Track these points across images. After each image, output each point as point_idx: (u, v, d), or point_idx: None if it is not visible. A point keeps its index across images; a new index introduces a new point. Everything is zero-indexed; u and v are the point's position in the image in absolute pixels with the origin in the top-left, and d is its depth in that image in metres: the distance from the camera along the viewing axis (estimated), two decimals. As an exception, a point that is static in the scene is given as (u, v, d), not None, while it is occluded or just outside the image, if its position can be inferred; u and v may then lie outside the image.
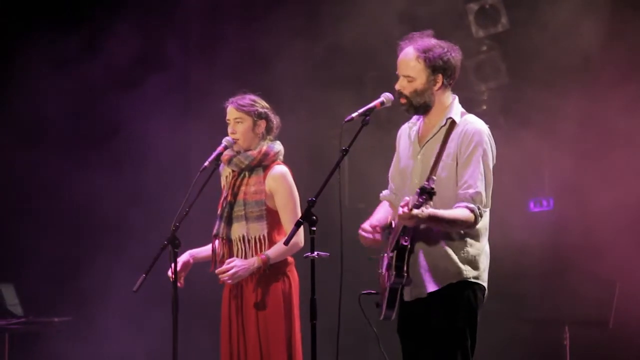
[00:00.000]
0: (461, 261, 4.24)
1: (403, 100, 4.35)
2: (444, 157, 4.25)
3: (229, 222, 5.11)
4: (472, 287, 4.26)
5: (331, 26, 7.58)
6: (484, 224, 4.29)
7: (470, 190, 4.18)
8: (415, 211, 3.93)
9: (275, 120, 5.20)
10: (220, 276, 5.00)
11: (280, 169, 5.11)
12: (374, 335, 4.43)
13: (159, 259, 4.83)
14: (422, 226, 4.13)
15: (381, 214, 4.47)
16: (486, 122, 4.37)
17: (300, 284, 5.09)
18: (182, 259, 5.08)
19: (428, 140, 4.35)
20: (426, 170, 4.27)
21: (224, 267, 4.99)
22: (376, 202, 4.58)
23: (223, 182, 5.25)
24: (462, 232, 4.23)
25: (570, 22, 7.03)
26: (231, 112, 5.14)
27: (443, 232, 4.22)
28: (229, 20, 8.21)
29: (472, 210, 4.15)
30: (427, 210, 3.94)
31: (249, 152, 5.12)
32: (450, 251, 4.23)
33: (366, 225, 4.32)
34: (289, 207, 5.05)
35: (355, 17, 7.41)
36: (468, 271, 4.25)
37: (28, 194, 8.06)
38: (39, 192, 8.01)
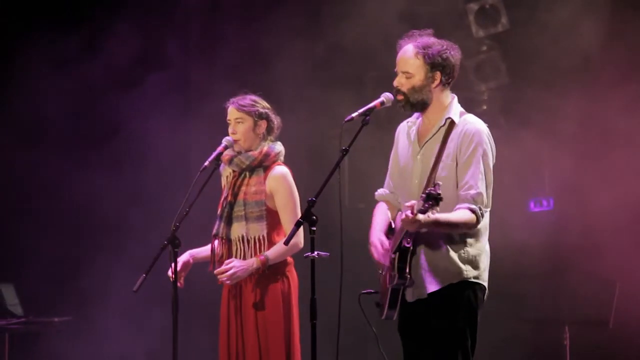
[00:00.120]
0: (461, 261, 4.24)
1: (400, 97, 4.35)
2: (443, 157, 4.26)
3: (229, 222, 5.10)
4: (472, 287, 4.27)
5: (331, 26, 7.58)
6: (484, 223, 4.29)
7: (472, 191, 4.18)
8: (420, 216, 3.93)
9: (276, 120, 5.20)
10: (218, 277, 5.00)
11: (281, 170, 5.11)
12: (374, 335, 4.43)
13: (159, 259, 4.83)
14: (424, 230, 4.13)
15: (382, 221, 4.45)
16: (486, 122, 4.37)
17: (300, 283, 5.09)
18: (182, 258, 5.08)
19: (427, 140, 4.35)
20: (426, 170, 4.28)
21: (223, 267, 4.99)
22: (376, 202, 4.58)
23: (223, 182, 5.25)
24: (462, 232, 4.23)
25: (570, 22, 7.04)
26: (232, 113, 5.14)
27: (444, 233, 4.22)
28: (229, 20, 8.21)
29: (473, 212, 4.15)
30: (432, 215, 3.95)
31: (250, 153, 5.12)
32: (450, 251, 4.23)
33: (376, 241, 4.30)
34: (289, 208, 5.05)
35: (355, 17, 7.41)
36: (468, 271, 4.25)
37: (28, 194, 8.06)
38: (39, 192, 8.01)
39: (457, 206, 4.15)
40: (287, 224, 5.01)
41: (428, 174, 4.27)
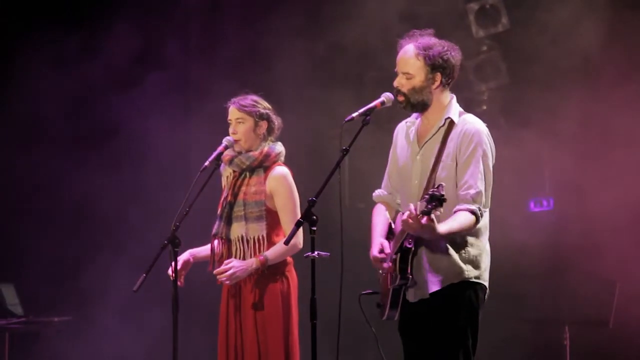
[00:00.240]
0: (462, 261, 4.24)
1: (401, 98, 4.34)
2: (443, 157, 4.26)
3: (229, 222, 5.10)
4: (473, 286, 4.27)
5: (331, 26, 7.58)
6: (484, 223, 4.29)
7: (471, 191, 4.17)
8: (424, 222, 3.92)
9: (277, 121, 5.20)
10: (218, 277, 5.00)
11: (281, 170, 5.11)
12: (373, 335, 4.43)
13: (158, 259, 4.83)
14: (426, 236, 4.11)
15: (382, 222, 4.45)
16: (486, 122, 4.37)
17: (300, 283, 5.09)
18: (182, 258, 5.08)
19: (427, 141, 4.35)
20: (426, 171, 4.28)
21: (222, 267, 4.99)
22: (375, 202, 4.58)
23: (224, 182, 5.25)
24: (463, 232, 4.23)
25: (570, 22, 7.04)
26: (233, 113, 5.14)
27: (445, 235, 4.23)
28: (229, 20, 8.21)
29: (473, 212, 4.14)
30: (440, 229, 3.96)
31: (250, 153, 5.11)
32: (451, 251, 4.23)
33: (375, 252, 4.29)
34: (289, 208, 5.05)
35: (356, 17, 7.41)
36: (469, 271, 4.25)
37: (28, 194, 8.06)
38: (39, 192, 8.01)
39: (457, 207, 4.15)
40: (287, 225, 5.01)
41: (428, 174, 4.26)
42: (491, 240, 4.37)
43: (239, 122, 5.12)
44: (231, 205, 5.11)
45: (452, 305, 4.22)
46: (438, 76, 4.30)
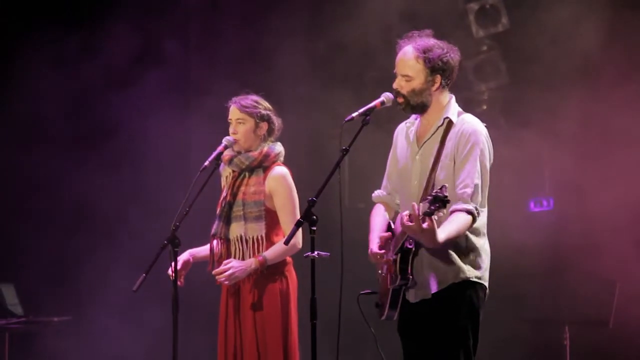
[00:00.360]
0: (463, 261, 4.24)
1: (400, 100, 4.34)
2: (442, 157, 4.25)
3: (228, 222, 5.10)
4: (474, 286, 4.26)
5: (331, 25, 7.58)
6: (482, 223, 4.29)
7: (468, 190, 4.17)
8: (426, 226, 3.91)
9: (277, 122, 5.20)
10: (217, 277, 5.00)
11: (281, 170, 5.11)
12: (372, 335, 4.43)
13: (158, 259, 4.83)
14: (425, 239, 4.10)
15: (380, 222, 4.44)
16: (486, 122, 4.36)
17: (300, 283, 5.09)
18: (182, 258, 5.08)
19: (426, 141, 4.35)
20: (425, 171, 4.27)
21: (221, 268, 4.99)
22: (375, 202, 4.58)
23: (223, 182, 5.25)
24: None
25: (570, 22, 7.04)
26: (234, 112, 5.14)
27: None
28: (229, 19, 8.21)
29: (470, 212, 4.14)
30: (439, 237, 3.96)
31: (250, 153, 5.11)
32: (452, 252, 4.22)
33: (374, 246, 4.29)
34: (288, 208, 5.05)
35: (356, 16, 7.41)
36: (470, 271, 4.25)
37: (28, 193, 8.06)
38: (39, 192, 8.01)
39: (453, 206, 4.14)
40: (286, 225, 5.01)
41: (427, 174, 4.26)
42: (491, 240, 4.36)
43: (240, 123, 5.12)
44: (230, 205, 5.11)
45: (453, 305, 4.22)
46: (438, 78, 4.30)
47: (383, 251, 4.27)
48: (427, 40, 4.31)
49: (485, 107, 7.65)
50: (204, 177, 4.93)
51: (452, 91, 4.40)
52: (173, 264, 4.86)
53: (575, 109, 7.17)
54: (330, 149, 6.66)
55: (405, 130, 4.47)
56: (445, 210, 3.94)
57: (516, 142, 6.94)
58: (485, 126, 4.34)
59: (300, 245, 4.99)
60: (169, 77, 8.00)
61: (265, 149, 5.12)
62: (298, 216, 4.79)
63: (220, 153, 5.06)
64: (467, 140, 4.23)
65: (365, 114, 4.34)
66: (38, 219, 8.04)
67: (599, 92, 7.07)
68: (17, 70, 7.93)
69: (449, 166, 4.24)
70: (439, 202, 3.86)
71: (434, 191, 3.90)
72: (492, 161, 4.32)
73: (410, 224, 3.94)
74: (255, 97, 5.17)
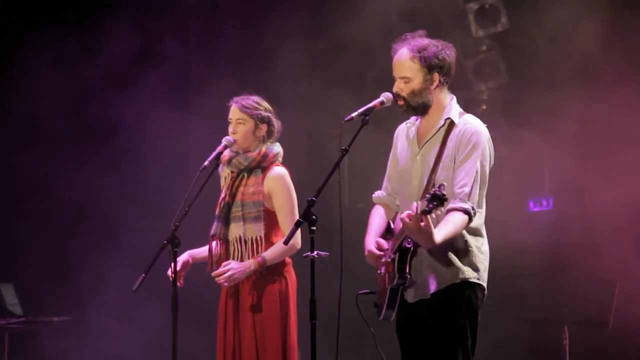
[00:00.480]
0: (462, 262, 4.24)
1: (401, 102, 4.34)
2: (443, 157, 4.25)
3: (227, 223, 5.10)
4: (473, 287, 4.26)
5: (331, 25, 7.58)
6: (481, 223, 4.30)
7: (466, 189, 4.17)
8: (423, 224, 3.92)
9: (277, 124, 5.20)
10: (216, 279, 5.00)
11: (279, 171, 5.11)
12: (371, 335, 4.43)
13: (158, 259, 4.82)
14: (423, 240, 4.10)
15: (378, 223, 4.44)
16: (486, 122, 4.36)
17: (300, 283, 5.09)
18: (181, 258, 5.08)
19: (427, 141, 4.34)
20: (426, 171, 4.27)
21: (220, 269, 4.99)
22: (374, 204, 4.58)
23: (222, 182, 5.25)
24: (462, 233, 4.22)
25: (570, 22, 7.04)
26: (234, 112, 5.14)
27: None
28: (229, 19, 8.21)
29: (466, 212, 4.14)
30: (436, 238, 3.96)
31: (248, 154, 5.11)
32: (451, 252, 4.22)
33: (372, 247, 4.30)
34: (287, 209, 5.05)
35: (356, 16, 7.41)
36: (469, 272, 4.25)
37: (28, 193, 8.06)
38: (39, 191, 8.01)
39: (450, 205, 4.14)
40: (285, 225, 5.00)
41: (428, 174, 4.26)
42: (491, 240, 4.36)
43: (240, 123, 5.12)
44: (229, 205, 5.11)
45: (451, 305, 4.22)
46: (436, 76, 4.30)
47: (381, 253, 4.27)
48: (421, 40, 4.32)
49: (484, 107, 7.65)
50: (203, 177, 4.93)
51: (451, 91, 4.40)
52: (172, 264, 4.86)
53: (575, 109, 7.17)
54: (330, 149, 6.66)
55: (406, 130, 4.47)
56: (443, 209, 3.93)
57: (516, 142, 6.93)
58: (486, 127, 4.34)
59: (299, 245, 4.98)
60: (169, 77, 8.00)
61: (264, 149, 5.12)
62: (297, 216, 4.79)
63: (220, 153, 5.06)
64: (469, 141, 4.23)
65: (364, 114, 4.33)
66: (38, 218, 8.04)
67: (599, 92, 7.07)
68: (17, 70, 7.93)
69: (449, 167, 4.24)
70: (437, 200, 3.87)
71: (432, 189, 3.90)
72: (492, 163, 4.32)
73: (409, 221, 3.94)
74: (256, 98, 5.17)
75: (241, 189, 5.11)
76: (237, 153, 5.13)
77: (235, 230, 5.07)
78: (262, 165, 5.11)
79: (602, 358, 7.10)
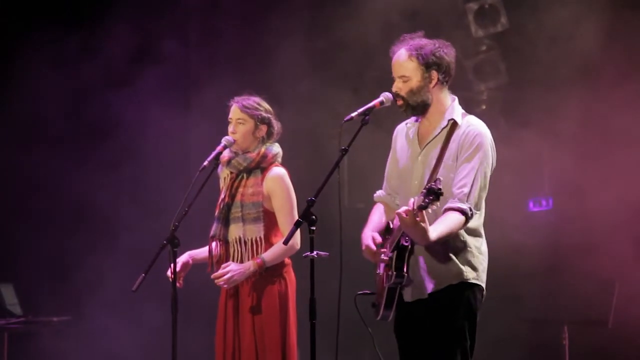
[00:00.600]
0: (461, 262, 4.24)
1: (400, 102, 4.34)
2: (444, 158, 4.25)
3: (226, 224, 5.10)
4: (472, 288, 4.26)
5: (331, 25, 7.58)
6: (480, 224, 4.30)
7: (465, 189, 4.17)
8: (421, 225, 3.92)
9: (277, 126, 5.20)
10: (215, 281, 5.00)
11: (278, 171, 5.11)
12: (370, 335, 4.43)
13: (157, 259, 4.83)
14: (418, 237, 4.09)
15: (376, 219, 4.45)
16: (485, 122, 4.36)
17: (299, 283, 5.08)
18: (181, 259, 5.08)
19: (429, 142, 4.34)
20: (427, 172, 4.27)
21: (220, 271, 4.99)
22: (375, 202, 4.58)
23: (221, 183, 5.24)
24: (461, 233, 4.22)
25: (569, 22, 7.04)
26: (235, 112, 5.14)
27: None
28: (229, 18, 8.20)
29: (463, 212, 4.13)
30: (431, 235, 3.97)
31: (248, 154, 5.11)
32: (449, 252, 4.23)
33: (370, 242, 4.30)
34: (286, 209, 5.05)
35: (356, 16, 7.41)
36: (468, 272, 4.25)
37: (27, 193, 8.06)
38: (38, 192, 8.01)
39: (448, 204, 4.14)
40: (284, 226, 5.00)
41: (429, 175, 4.26)
42: (490, 240, 4.36)
43: (239, 123, 5.12)
44: (229, 206, 5.11)
45: (450, 306, 4.22)
46: (434, 74, 4.30)
47: (377, 249, 4.27)
48: (419, 40, 4.34)
49: (484, 107, 7.65)
50: (203, 177, 4.93)
51: (451, 91, 4.40)
52: (172, 265, 4.86)
53: (574, 109, 7.17)
54: (329, 149, 6.66)
55: (406, 130, 4.47)
56: (438, 204, 3.93)
57: (516, 142, 6.93)
58: (486, 126, 4.34)
59: (298, 246, 4.99)
60: (169, 77, 8.01)
61: (263, 150, 5.12)
62: (296, 217, 4.79)
63: (220, 153, 5.06)
64: (472, 142, 4.23)
65: (364, 113, 4.33)
66: (37, 218, 8.04)
67: (598, 92, 7.07)
68: (17, 70, 7.93)
69: (451, 167, 4.23)
70: (432, 195, 3.86)
71: (428, 184, 3.91)
72: (494, 166, 4.32)
73: (405, 217, 3.94)
74: (257, 99, 5.17)
75: (240, 189, 5.11)
76: (236, 154, 5.13)
77: (235, 231, 5.07)
78: (261, 166, 5.11)
79: (601, 358, 7.10)
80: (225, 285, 4.99)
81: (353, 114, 4.34)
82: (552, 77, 7.29)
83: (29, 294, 7.70)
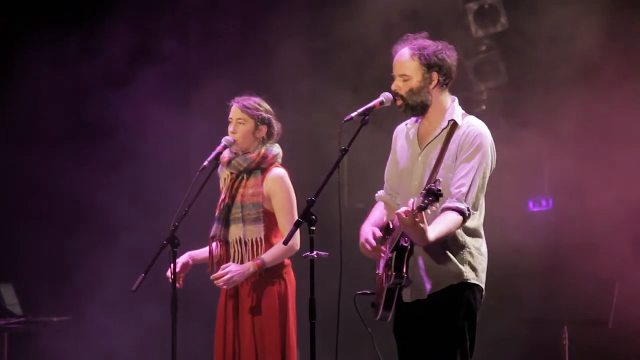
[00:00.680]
0: (460, 262, 4.24)
1: (399, 102, 4.33)
2: (444, 158, 4.25)
3: (226, 225, 5.10)
4: (471, 288, 4.26)
5: (331, 25, 7.58)
6: (480, 224, 4.30)
7: (463, 189, 4.17)
8: (421, 225, 3.93)
9: (277, 127, 5.20)
10: (215, 282, 5.00)
11: (279, 172, 5.11)
12: (369, 335, 4.43)
13: (157, 259, 4.83)
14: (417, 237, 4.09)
15: (377, 215, 4.46)
16: (485, 122, 4.36)
17: (299, 283, 5.08)
18: (181, 260, 5.08)
19: (429, 142, 4.34)
20: (427, 172, 4.27)
21: (219, 272, 5.00)
22: (375, 202, 4.58)
23: (221, 184, 5.24)
24: (460, 233, 4.22)
25: (569, 21, 7.03)
26: (235, 112, 5.14)
27: (442, 234, 4.22)
28: (229, 19, 8.20)
29: (461, 212, 4.13)
30: (429, 236, 3.97)
31: (248, 155, 5.11)
32: (449, 252, 4.23)
33: (369, 237, 4.30)
34: (286, 210, 5.05)
35: (356, 16, 7.41)
36: (467, 272, 4.25)
37: (27, 193, 8.06)
38: (38, 191, 8.01)
39: (446, 203, 4.13)
40: (284, 226, 5.01)
41: (429, 175, 4.26)
42: (490, 240, 4.36)
43: (240, 123, 5.12)
44: (229, 207, 5.11)
45: (450, 306, 4.22)
46: (435, 75, 4.30)
47: (381, 246, 4.27)
48: (422, 41, 4.34)
49: (484, 107, 7.65)
50: (203, 177, 4.93)
51: (451, 92, 4.40)
52: (172, 265, 4.86)
53: (574, 109, 7.17)
54: (329, 149, 6.66)
55: (406, 131, 4.47)
56: (438, 205, 3.93)
57: (515, 141, 6.93)
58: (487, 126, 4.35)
59: (298, 247, 4.99)
60: (169, 77, 8.00)
61: (263, 150, 5.12)
62: (296, 217, 4.78)
63: (219, 153, 5.06)
64: (472, 142, 4.23)
65: (364, 113, 4.33)
66: (37, 218, 8.04)
67: (598, 92, 7.07)
68: (17, 70, 7.93)
69: (451, 167, 4.23)
70: (432, 195, 3.87)
71: (428, 185, 3.91)
72: (494, 167, 4.32)
73: (405, 217, 3.94)
74: (257, 100, 5.17)
75: (241, 190, 5.11)
76: (236, 154, 5.13)
77: (235, 231, 5.07)
78: (261, 167, 5.11)
79: (601, 358, 7.10)
80: (225, 286, 4.99)
81: (353, 114, 4.33)
82: (552, 77, 7.29)
83: (29, 294, 7.70)
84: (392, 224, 4.40)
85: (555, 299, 7.05)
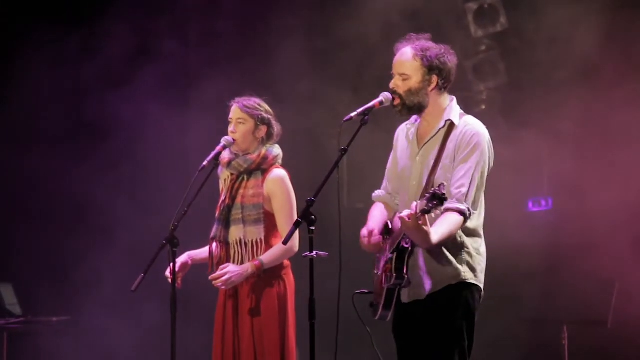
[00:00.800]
0: (459, 263, 4.24)
1: (397, 101, 4.33)
2: (442, 158, 4.25)
3: (227, 225, 5.10)
4: (470, 288, 4.27)
5: (331, 24, 7.58)
6: (479, 224, 4.30)
7: (463, 189, 4.17)
8: (424, 229, 3.93)
9: (277, 127, 5.20)
10: (213, 282, 5.00)
11: (279, 173, 5.11)
12: (368, 334, 4.43)
13: (156, 259, 4.83)
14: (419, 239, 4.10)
15: (377, 217, 4.46)
16: (485, 122, 4.36)
17: (299, 283, 5.08)
18: (180, 260, 5.08)
19: (427, 142, 4.34)
20: (425, 172, 4.27)
21: (218, 273, 4.99)
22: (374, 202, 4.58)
23: (221, 185, 5.24)
24: (459, 234, 4.22)
25: (569, 21, 7.04)
26: (235, 112, 5.14)
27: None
28: (229, 19, 8.20)
29: (462, 213, 4.14)
30: (432, 238, 3.97)
31: (248, 156, 5.11)
32: (448, 253, 4.23)
33: (364, 231, 4.31)
34: (286, 211, 5.04)
35: (355, 16, 7.41)
36: (466, 272, 4.25)
37: (27, 193, 8.06)
38: (38, 191, 8.01)
39: (446, 205, 4.12)
40: (283, 227, 5.00)
41: (427, 175, 4.26)
42: (489, 240, 4.36)
43: (240, 123, 5.12)
44: (229, 208, 5.10)
45: (448, 306, 4.22)
46: (434, 78, 4.30)
47: (376, 240, 4.27)
48: (425, 42, 4.34)
49: (484, 107, 7.65)
50: (202, 177, 4.93)
51: (451, 92, 4.40)
52: (171, 265, 4.86)
53: (574, 109, 7.17)
54: (329, 149, 6.67)
55: (406, 131, 4.47)
56: (442, 209, 3.94)
57: (515, 141, 6.93)
58: (486, 127, 4.34)
59: (297, 248, 4.98)
60: (169, 77, 8.00)
61: (264, 151, 5.12)
62: (296, 218, 4.78)
63: (219, 153, 5.05)
64: (469, 142, 4.23)
65: (363, 113, 4.33)
66: (37, 218, 8.04)
67: (598, 92, 7.08)
68: (17, 70, 7.93)
69: (449, 167, 4.24)
70: (436, 200, 3.87)
71: (432, 189, 3.90)
72: (492, 165, 4.32)
73: (408, 220, 3.94)
74: (257, 100, 5.17)
75: (241, 191, 5.11)
76: (236, 155, 5.12)
77: (236, 232, 5.07)
78: (261, 168, 5.11)
79: (601, 358, 7.10)
80: (223, 287, 4.99)
81: (352, 114, 4.33)
82: (552, 77, 7.29)
83: (29, 294, 7.70)
84: (391, 224, 4.40)
85: (555, 299, 7.05)
